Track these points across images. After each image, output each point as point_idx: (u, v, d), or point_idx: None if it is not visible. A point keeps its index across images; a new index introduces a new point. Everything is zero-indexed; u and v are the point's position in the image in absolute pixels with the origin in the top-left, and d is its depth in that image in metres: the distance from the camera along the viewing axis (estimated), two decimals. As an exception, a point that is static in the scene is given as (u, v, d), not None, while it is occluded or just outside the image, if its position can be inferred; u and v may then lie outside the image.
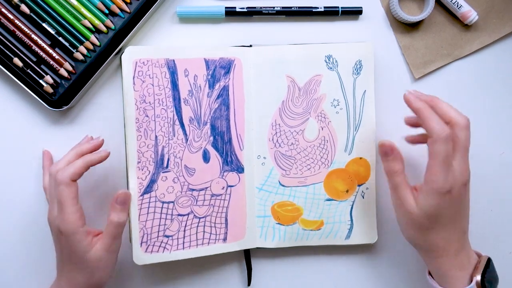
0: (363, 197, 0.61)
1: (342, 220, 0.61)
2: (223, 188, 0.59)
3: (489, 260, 0.54)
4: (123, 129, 0.60)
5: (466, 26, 0.63)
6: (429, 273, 0.56)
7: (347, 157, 0.61)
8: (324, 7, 0.61)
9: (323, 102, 0.60)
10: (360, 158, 0.61)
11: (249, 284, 0.62)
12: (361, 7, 0.62)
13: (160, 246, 0.57)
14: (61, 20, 0.58)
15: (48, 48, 0.58)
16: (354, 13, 0.62)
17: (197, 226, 0.58)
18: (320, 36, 0.62)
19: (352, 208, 0.61)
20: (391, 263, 0.63)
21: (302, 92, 0.60)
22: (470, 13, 0.61)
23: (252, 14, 0.61)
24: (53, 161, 0.60)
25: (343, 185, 0.61)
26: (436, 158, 0.50)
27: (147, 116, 0.56)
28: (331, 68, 0.60)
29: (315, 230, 0.61)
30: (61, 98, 0.58)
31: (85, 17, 0.58)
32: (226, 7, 0.61)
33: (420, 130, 0.57)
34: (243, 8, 0.61)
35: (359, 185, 0.61)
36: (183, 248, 0.58)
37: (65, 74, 0.58)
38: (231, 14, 0.61)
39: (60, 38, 0.58)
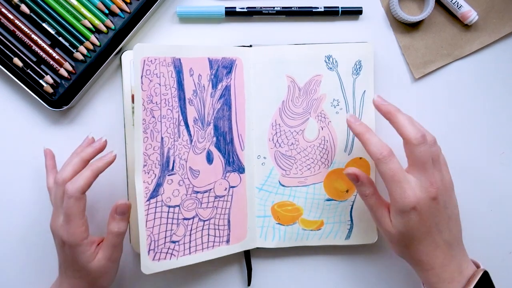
0: (363, 197, 0.61)
1: (342, 220, 0.61)
2: (225, 189, 0.59)
3: (485, 274, 0.52)
4: (123, 129, 0.60)
5: (466, 26, 0.63)
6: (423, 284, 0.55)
7: (347, 157, 0.61)
8: (324, 7, 0.61)
9: (323, 102, 0.60)
10: (360, 158, 0.61)
11: (249, 284, 0.62)
12: (361, 7, 0.62)
13: (167, 253, 0.55)
14: (61, 20, 0.58)
15: (48, 48, 0.58)
16: (354, 13, 0.62)
17: (202, 229, 0.57)
18: (320, 36, 0.62)
19: (352, 208, 0.61)
20: (391, 263, 0.63)
21: (302, 92, 0.60)
22: (470, 13, 0.61)
23: (252, 14, 0.61)
24: (55, 159, 0.59)
25: (343, 185, 0.61)
26: (385, 179, 0.50)
27: (153, 117, 0.53)
28: (331, 68, 0.60)
29: (315, 230, 0.61)
30: (61, 98, 0.58)
31: (85, 17, 0.58)
32: (226, 7, 0.61)
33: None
34: (243, 8, 0.61)
35: (359, 185, 0.61)
36: (190, 253, 0.56)
37: (65, 74, 0.58)
38: (231, 14, 0.61)
39: (60, 38, 0.58)
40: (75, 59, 0.58)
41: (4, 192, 0.61)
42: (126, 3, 0.58)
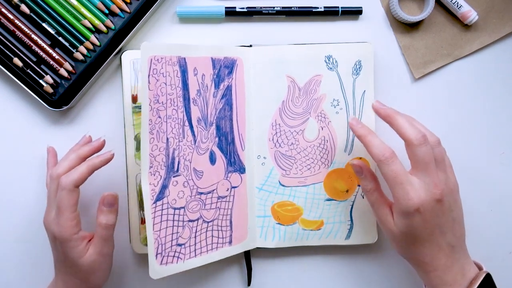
0: (363, 197, 0.61)
1: (342, 220, 0.61)
2: (227, 189, 0.59)
3: (488, 276, 0.52)
4: (123, 129, 0.60)
5: (466, 26, 0.63)
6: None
7: (347, 157, 0.61)
8: (324, 7, 0.61)
9: (323, 102, 0.60)
10: (360, 158, 0.61)
11: (249, 284, 0.62)
12: (361, 7, 0.62)
13: (174, 256, 0.55)
14: (61, 20, 0.58)
15: (48, 48, 0.58)
16: (354, 13, 0.62)
17: (206, 231, 0.57)
18: (320, 36, 0.62)
19: (352, 208, 0.61)
20: (391, 263, 0.63)
21: (302, 92, 0.60)
22: (470, 13, 0.61)
23: (252, 14, 0.61)
24: (58, 158, 0.59)
25: (343, 185, 0.61)
26: (388, 181, 0.50)
27: (159, 117, 0.52)
28: (331, 68, 0.60)
29: (315, 230, 0.61)
30: (61, 98, 0.58)
31: (85, 17, 0.58)
32: (226, 7, 0.61)
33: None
34: (243, 8, 0.61)
35: (359, 185, 0.61)
36: (195, 255, 0.56)
37: (65, 74, 0.58)
38: (231, 14, 0.61)
39: (60, 38, 0.58)
40: (75, 59, 0.58)
41: (4, 192, 0.61)
42: (126, 3, 0.58)
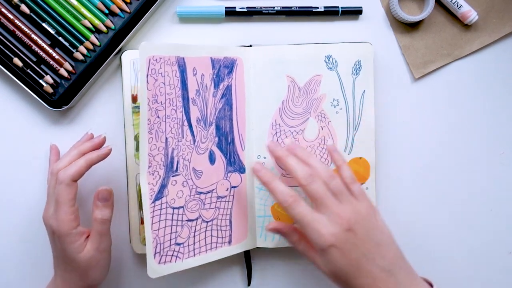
0: (363, 197, 0.61)
1: (342, 220, 0.61)
2: (227, 189, 0.59)
3: None
4: (123, 129, 0.60)
5: (466, 26, 0.63)
6: None
7: (347, 157, 0.61)
8: (324, 7, 0.61)
9: (323, 102, 0.60)
10: (360, 158, 0.61)
11: (249, 284, 0.62)
12: (361, 7, 0.62)
13: (172, 256, 0.55)
14: (61, 20, 0.58)
15: (48, 48, 0.58)
16: (354, 13, 0.62)
17: (205, 230, 0.57)
18: (320, 36, 0.62)
19: (352, 208, 0.61)
20: (391, 263, 0.63)
21: (302, 92, 0.60)
22: (470, 13, 0.61)
23: (252, 14, 0.61)
24: (60, 156, 0.59)
25: (343, 185, 0.61)
26: (297, 223, 0.51)
27: (158, 117, 0.53)
28: (331, 68, 0.60)
29: (315, 230, 0.61)
30: (61, 98, 0.58)
31: (85, 17, 0.58)
32: (226, 7, 0.61)
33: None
34: (243, 8, 0.61)
35: (359, 185, 0.61)
36: (194, 255, 0.56)
37: (65, 74, 0.58)
38: (231, 14, 0.61)
39: (60, 38, 0.58)
40: (75, 59, 0.58)
41: (4, 192, 0.61)
42: (126, 3, 0.58)
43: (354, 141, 0.61)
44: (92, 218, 0.52)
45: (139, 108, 0.59)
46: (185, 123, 0.55)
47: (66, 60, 0.58)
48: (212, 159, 0.57)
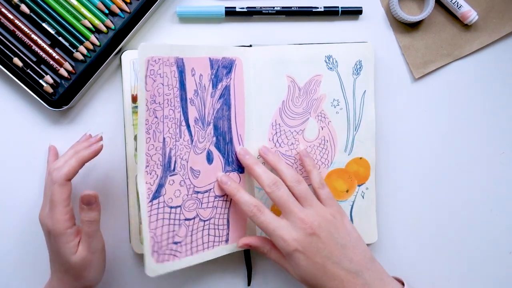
0: (363, 197, 0.61)
1: (342, 220, 0.61)
2: None
3: None
4: (123, 129, 0.60)
5: (466, 26, 0.63)
6: None
7: (347, 157, 0.61)
8: (324, 7, 0.62)
9: (323, 102, 0.61)
10: (360, 158, 0.61)
11: (249, 284, 0.62)
12: (361, 7, 0.62)
13: (170, 254, 0.55)
14: (61, 20, 0.58)
15: (48, 48, 0.58)
16: (354, 13, 0.62)
17: (203, 229, 0.57)
18: (320, 36, 0.62)
19: (352, 208, 0.61)
20: (391, 263, 0.63)
21: (302, 92, 0.60)
22: (470, 13, 0.61)
23: (252, 14, 0.61)
24: (58, 157, 0.60)
25: (343, 185, 0.61)
26: (264, 232, 0.53)
27: (156, 117, 0.53)
28: (331, 68, 0.60)
29: (315, 230, 0.61)
30: (61, 98, 0.58)
31: (85, 17, 0.58)
32: (226, 7, 0.61)
33: None
34: (243, 8, 0.61)
35: (359, 185, 0.61)
36: (192, 254, 0.56)
37: (65, 74, 0.58)
38: (231, 14, 0.61)
39: (60, 38, 0.58)
40: (75, 59, 0.58)
41: (3, 192, 0.61)
42: (126, 3, 0.58)
43: (354, 141, 0.61)
44: (80, 220, 0.52)
45: (139, 108, 0.59)
46: (183, 123, 0.55)
47: (66, 60, 0.58)
48: (209, 159, 0.57)
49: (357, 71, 0.60)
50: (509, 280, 0.64)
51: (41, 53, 0.58)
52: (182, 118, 0.55)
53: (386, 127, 0.63)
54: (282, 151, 0.60)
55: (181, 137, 0.55)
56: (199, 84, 0.56)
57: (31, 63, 0.58)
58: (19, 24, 0.57)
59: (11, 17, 0.57)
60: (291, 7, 0.61)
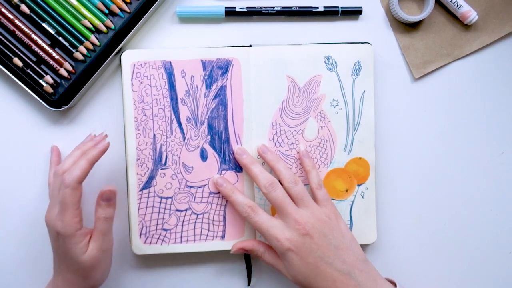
0: (362, 197, 0.61)
1: (342, 220, 0.61)
2: None
3: None
4: (123, 129, 0.60)
5: (466, 26, 0.63)
6: None
7: (347, 156, 0.61)
8: (324, 7, 0.62)
9: (323, 102, 0.61)
10: (360, 158, 0.61)
11: (249, 284, 0.62)
12: (361, 7, 0.62)
13: (158, 239, 0.59)
14: (61, 20, 0.58)
15: (48, 48, 0.58)
16: (354, 13, 0.62)
17: (195, 222, 0.59)
18: (320, 36, 0.62)
19: (351, 207, 0.61)
20: (390, 263, 0.63)
21: (302, 92, 0.60)
22: (470, 13, 0.61)
23: (252, 14, 0.61)
24: (62, 157, 0.60)
25: (342, 184, 0.61)
26: (258, 232, 0.55)
27: (145, 115, 0.58)
28: (330, 69, 0.60)
29: (315, 230, 0.61)
30: (61, 98, 0.58)
31: (85, 17, 0.58)
32: (226, 7, 0.61)
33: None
34: (243, 8, 0.61)
35: (358, 185, 0.61)
36: (181, 242, 0.59)
37: (65, 74, 0.58)
38: (231, 14, 0.61)
39: (60, 38, 0.58)
40: (75, 59, 0.58)
41: (4, 192, 0.61)
42: (126, 3, 0.59)
43: (354, 141, 0.61)
44: (95, 217, 0.53)
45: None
46: (174, 121, 0.58)
47: (66, 60, 0.58)
48: (203, 156, 0.59)
49: (356, 72, 0.60)
50: (509, 280, 0.64)
51: (41, 53, 0.58)
52: (173, 116, 0.58)
53: (386, 127, 0.63)
54: (282, 150, 0.60)
55: (172, 134, 0.58)
56: (191, 85, 0.58)
57: (31, 63, 0.58)
58: (19, 24, 0.57)
59: (11, 17, 0.57)
60: (291, 7, 0.61)
